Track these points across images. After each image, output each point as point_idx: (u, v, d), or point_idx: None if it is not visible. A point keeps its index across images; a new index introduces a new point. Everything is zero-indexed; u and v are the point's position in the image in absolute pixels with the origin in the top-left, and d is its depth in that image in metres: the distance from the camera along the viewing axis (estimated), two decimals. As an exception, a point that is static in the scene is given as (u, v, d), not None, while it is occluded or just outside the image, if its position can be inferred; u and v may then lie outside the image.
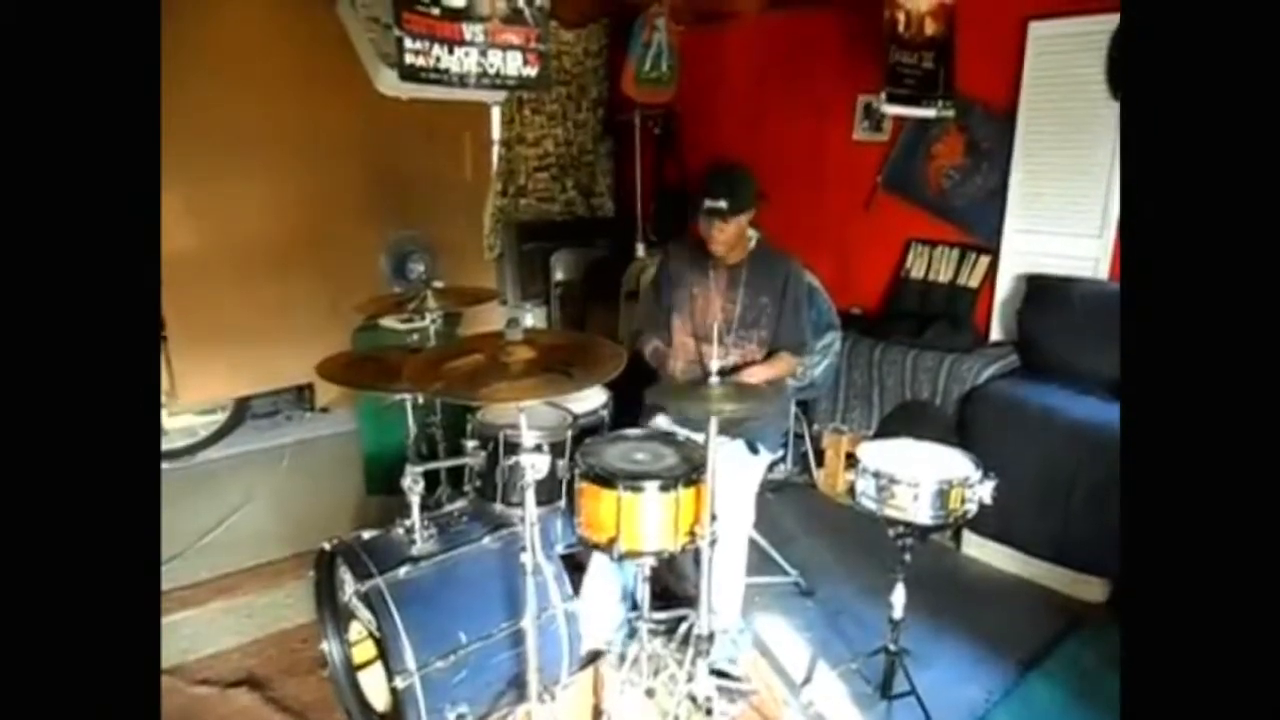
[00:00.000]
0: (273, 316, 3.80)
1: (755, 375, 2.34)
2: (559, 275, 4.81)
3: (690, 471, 1.94)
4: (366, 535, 2.07)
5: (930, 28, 3.27)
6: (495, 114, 4.58)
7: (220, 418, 3.93)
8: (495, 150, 4.66)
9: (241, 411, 4.00)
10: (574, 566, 2.27)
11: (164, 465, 3.67)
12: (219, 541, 3.07)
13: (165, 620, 2.56)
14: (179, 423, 3.81)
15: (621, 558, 1.97)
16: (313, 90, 3.67)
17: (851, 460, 2.13)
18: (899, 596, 2.12)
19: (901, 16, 3.17)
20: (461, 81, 2.35)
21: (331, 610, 2.16)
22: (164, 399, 3.55)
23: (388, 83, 2.64)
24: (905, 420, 3.31)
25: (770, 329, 2.46)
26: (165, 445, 3.73)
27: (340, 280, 3.72)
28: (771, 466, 2.65)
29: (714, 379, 1.88)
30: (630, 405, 2.53)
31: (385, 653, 1.86)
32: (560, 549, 2.22)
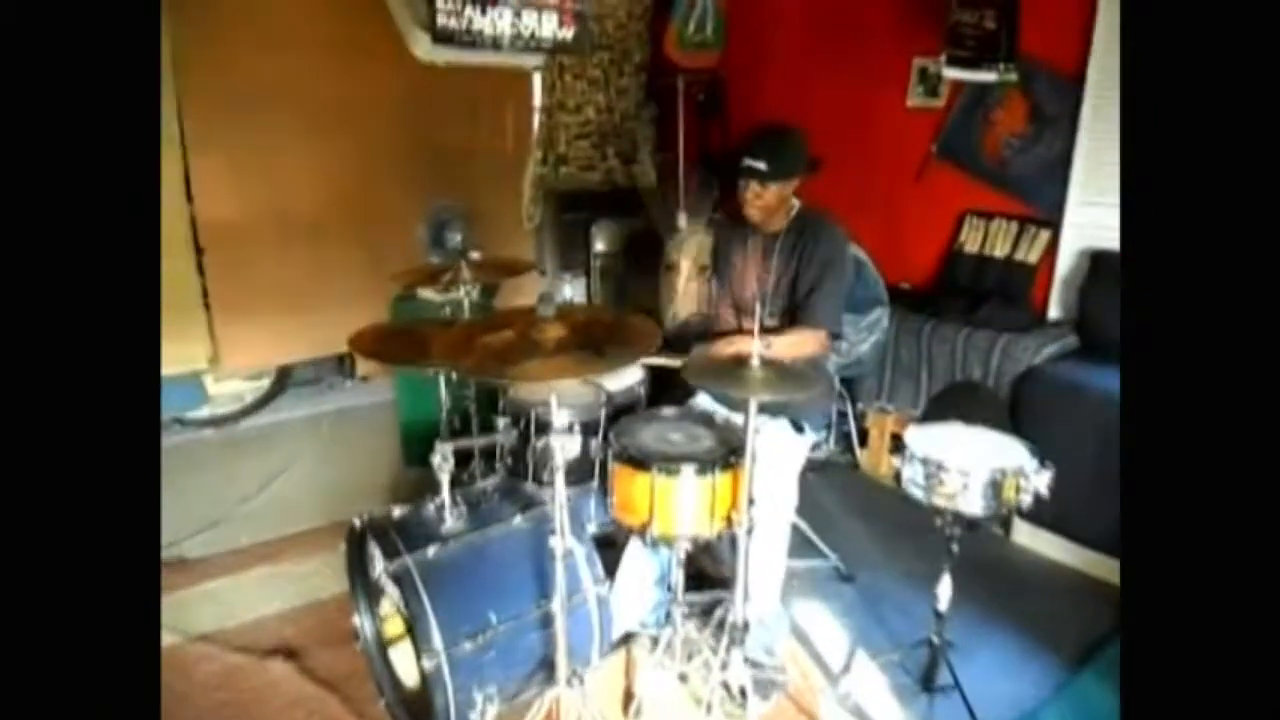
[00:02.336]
0: (313, 283, 3.80)
1: (777, 350, 2.19)
2: (599, 246, 4.74)
3: (728, 455, 1.87)
4: (397, 512, 2.04)
5: (994, -16, 3.08)
6: (536, 81, 4.49)
7: (265, 384, 3.98)
8: (535, 117, 4.57)
9: (284, 379, 4.04)
10: (607, 543, 2.22)
11: (208, 432, 3.73)
12: (259, 508, 3.11)
13: (205, 586, 2.63)
14: (226, 389, 3.86)
15: (655, 542, 1.92)
16: (354, 57, 3.62)
17: (897, 442, 2.03)
18: (945, 588, 2.03)
19: (963, -28, 2.99)
20: (495, 44, 2.29)
21: (363, 585, 2.15)
22: (206, 365, 3.58)
23: (423, 47, 2.59)
24: (954, 401, 3.17)
25: None
26: (210, 412, 3.78)
27: (379, 248, 3.71)
28: (814, 446, 2.56)
29: (755, 360, 1.80)
30: (668, 383, 2.46)
31: (413, 632, 1.84)
32: (593, 529, 2.18)
